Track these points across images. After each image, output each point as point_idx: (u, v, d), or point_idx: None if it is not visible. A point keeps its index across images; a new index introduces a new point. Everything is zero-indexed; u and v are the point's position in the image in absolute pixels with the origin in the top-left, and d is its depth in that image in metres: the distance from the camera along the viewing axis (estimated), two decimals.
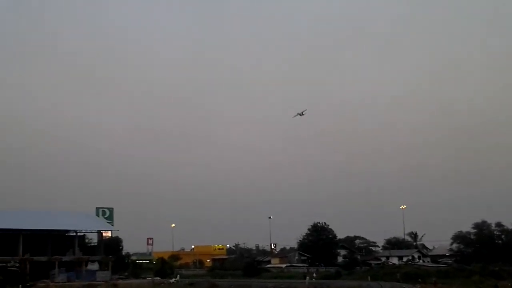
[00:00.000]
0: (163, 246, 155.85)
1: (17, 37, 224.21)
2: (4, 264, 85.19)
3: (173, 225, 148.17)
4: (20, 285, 51.47)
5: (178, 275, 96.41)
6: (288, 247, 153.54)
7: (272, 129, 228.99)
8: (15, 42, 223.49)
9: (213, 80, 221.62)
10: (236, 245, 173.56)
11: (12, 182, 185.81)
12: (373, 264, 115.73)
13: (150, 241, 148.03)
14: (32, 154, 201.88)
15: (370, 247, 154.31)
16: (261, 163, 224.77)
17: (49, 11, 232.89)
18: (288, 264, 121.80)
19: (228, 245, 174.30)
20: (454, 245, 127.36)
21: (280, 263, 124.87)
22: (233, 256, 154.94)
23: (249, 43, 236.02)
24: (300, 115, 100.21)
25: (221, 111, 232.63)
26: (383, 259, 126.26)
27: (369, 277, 79.31)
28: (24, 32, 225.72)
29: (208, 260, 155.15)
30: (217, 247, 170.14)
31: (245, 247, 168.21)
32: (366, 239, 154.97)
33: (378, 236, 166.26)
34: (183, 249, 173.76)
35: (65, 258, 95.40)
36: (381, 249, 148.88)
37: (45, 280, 79.39)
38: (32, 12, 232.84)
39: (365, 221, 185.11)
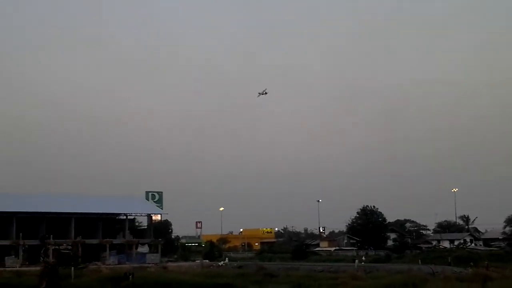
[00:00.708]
0: (212, 229, 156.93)
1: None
2: (57, 247, 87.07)
3: (221, 208, 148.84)
4: (73, 267, 52.17)
5: (227, 258, 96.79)
6: (336, 231, 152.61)
7: (320, 114, 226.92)
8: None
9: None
10: (285, 229, 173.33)
11: (66, 167, 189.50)
12: (423, 248, 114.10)
13: (199, 225, 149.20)
14: (84, 139, 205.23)
15: (421, 231, 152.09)
16: (310, 147, 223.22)
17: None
18: (337, 248, 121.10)
19: (276, 229, 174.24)
20: (507, 229, 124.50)
21: (329, 247, 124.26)
22: (281, 239, 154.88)
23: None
24: (262, 94, 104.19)
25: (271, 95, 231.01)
26: (434, 242, 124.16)
27: (419, 261, 78.01)
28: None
29: (257, 244, 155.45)
30: (265, 231, 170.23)
31: (294, 230, 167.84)
32: (416, 222, 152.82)
33: (429, 219, 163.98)
34: (231, 233, 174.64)
35: (115, 241, 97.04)
36: (432, 233, 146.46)
37: (96, 262, 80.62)
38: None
39: (416, 205, 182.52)
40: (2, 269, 67.58)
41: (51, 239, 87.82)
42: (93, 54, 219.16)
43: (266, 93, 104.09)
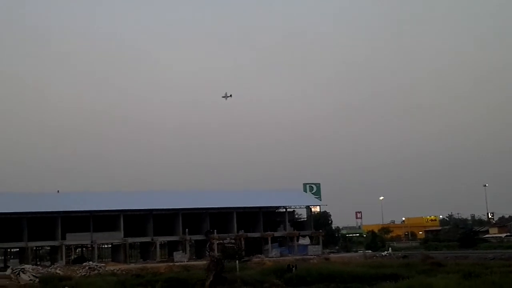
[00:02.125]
0: (372, 219, 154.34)
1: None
2: (221, 241, 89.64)
3: (381, 197, 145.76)
4: (237, 261, 53.11)
5: (390, 248, 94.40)
6: (507, 216, 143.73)
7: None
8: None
9: None
10: (450, 216, 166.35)
11: (226, 163, 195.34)
12: None
13: (358, 215, 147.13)
14: (241, 137, 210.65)
15: None
16: (474, 131, 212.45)
17: None
18: (508, 234, 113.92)
19: (440, 216, 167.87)
20: None
21: (499, 233, 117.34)
22: (447, 227, 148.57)
23: None
24: (227, 97, 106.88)
25: None
26: None
27: None
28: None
29: (420, 232, 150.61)
30: (429, 219, 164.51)
31: (460, 217, 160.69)
32: None
33: None
34: (393, 222, 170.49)
35: (276, 234, 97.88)
36: None
37: (259, 255, 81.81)
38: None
39: None
40: (171, 263, 70.43)
41: (215, 234, 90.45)
42: None
43: (230, 95, 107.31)
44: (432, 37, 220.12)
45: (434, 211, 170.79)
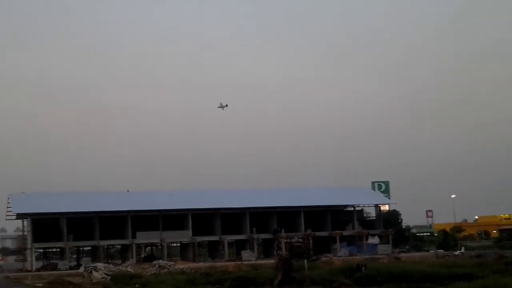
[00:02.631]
0: (444, 218, 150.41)
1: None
2: (289, 240, 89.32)
3: (453, 195, 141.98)
4: (305, 260, 52.65)
5: (463, 247, 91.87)
6: None
7: None
8: None
9: None
10: None
11: (292, 162, 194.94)
12: None
13: (429, 213, 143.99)
14: (305, 133, 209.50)
15: None
16: None
17: None
18: None
19: None
20: None
21: None
22: None
23: None
24: (223, 107, 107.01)
25: None
26: None
27: None
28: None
29: (494, 231, 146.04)
30: (503, 217, 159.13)
31: None
32: None
33: None
34: (465, 220, 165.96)
35: (345, 233, 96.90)
36: None
37: (327, 254, 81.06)
38: None
39: None
40: (239, 262, 70.59)
41: (283, 233, 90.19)
42: None
43: (226, 105, 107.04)
44: None
45: (509, 209, 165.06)
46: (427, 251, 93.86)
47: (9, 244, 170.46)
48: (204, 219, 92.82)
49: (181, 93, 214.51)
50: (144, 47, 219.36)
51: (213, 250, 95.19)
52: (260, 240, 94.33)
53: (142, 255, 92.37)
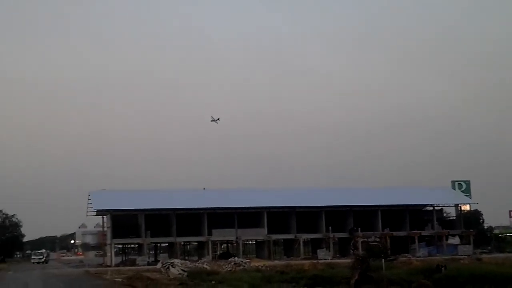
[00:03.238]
0: None
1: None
2: (365, 239, 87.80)
3: None
4: (383, 259, 51.50)
5: None
6: None
7: None
8: None
9: None
10: None
11: (367, 162, 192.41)
12: None
13: None
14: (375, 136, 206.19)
15: None
16: None
17: None
18: None
19: None
20: None
21: None
22: None
23: None
24: (215, 121, 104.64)
25: None
26: None
27: None
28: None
29: None
30: None
31: None
32: None
33: None
34: None
35: (424, 233, 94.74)
36: None
37: (405, 254, 79.31)
38: None
39: None
40: (315, 261, 69.92)
41: (359, 232, 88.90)
42: None
43: (218, 119, 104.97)
44: None
45: None
46: (510, 252, 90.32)
47: (89, 239, 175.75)
48: (280, 217, 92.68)
49: None
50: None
51: (288, 248, 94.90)
52: (336, 239, 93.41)
53: (218, 252, 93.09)
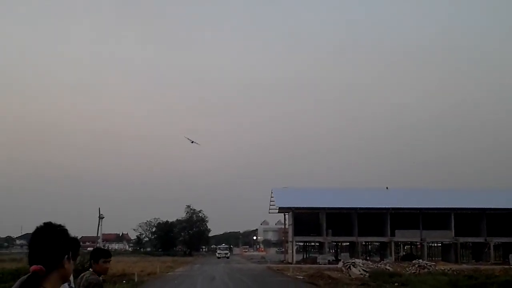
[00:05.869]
0: None
1: None
2: None
3: None
4: None
5: None
6: None
7: None
8: None
9: None
10: None
11: None
12: None
13: None
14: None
15: None
16: None
17: None
18: None
19: None
20: None
21: None
22: None
23: None
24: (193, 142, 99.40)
25: None
26: None
27: None
28: None
29: None
30: None
31: None
32: None
33: None
34: None
35: None
36: None
37: None
38: None
39: None
40: (507, 266, 65.05)
41: None
42: None
43: (197, 143, 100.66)
44: None
45: None
46: None
47: (270, 236, 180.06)
48: (468, 219, 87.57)
49: None
50: None
51: (477, 252, 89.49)
52: None
53: (401, 254, 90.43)
